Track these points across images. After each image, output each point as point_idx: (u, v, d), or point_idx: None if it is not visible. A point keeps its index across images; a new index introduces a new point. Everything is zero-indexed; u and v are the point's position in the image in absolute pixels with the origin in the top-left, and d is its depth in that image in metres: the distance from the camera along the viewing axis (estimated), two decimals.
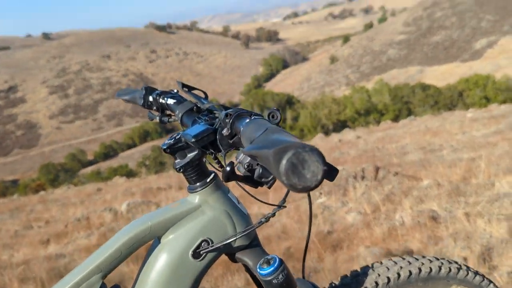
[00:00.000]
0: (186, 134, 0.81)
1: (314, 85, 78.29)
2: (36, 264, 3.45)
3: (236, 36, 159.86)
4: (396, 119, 24.50)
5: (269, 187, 0.74)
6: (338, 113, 33.64)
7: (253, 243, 0.90)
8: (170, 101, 1.05)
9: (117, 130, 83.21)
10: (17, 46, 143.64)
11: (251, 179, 0.73)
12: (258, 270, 0.82)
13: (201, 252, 0.83)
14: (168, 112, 1.10)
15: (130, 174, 27.15)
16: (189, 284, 0.83)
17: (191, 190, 0.87)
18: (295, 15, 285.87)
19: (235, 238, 0.85)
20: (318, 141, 16.58)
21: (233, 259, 0.91)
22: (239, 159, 0.73)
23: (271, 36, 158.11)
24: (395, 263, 1.03)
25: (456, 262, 1.03)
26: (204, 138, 0.79)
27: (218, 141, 0.80)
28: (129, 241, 0.81)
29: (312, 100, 42.15)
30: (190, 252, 0.83)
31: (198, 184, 0.86)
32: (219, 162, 0.87)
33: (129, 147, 70.91)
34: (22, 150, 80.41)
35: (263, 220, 0.86)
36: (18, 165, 72.59)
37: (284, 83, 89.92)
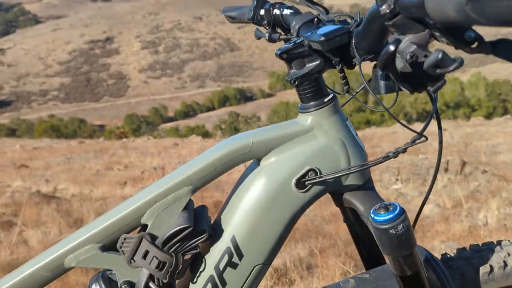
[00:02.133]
0: (312, 35, 0.68)
1: None
2: (112, 202, 3.68)
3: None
4: (489, 116, 22.64)
5: (434, 92, 0.59)
6: (425, 102, 31.80)
7: (367, 185, 0.76)
8: (287, 11, 0.90)
9: (198, 91, 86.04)
10: None
11: (410, 77, 0.58)
12: (372, 216, 0.67)
13: (306, 183, 0.71)
14: (278, 30, 0.96)
15: (205, 135, 28.05)
16: (287, 217, 0.72)
17: (303, 110, 0.74)
18: None
19: (348, 172, 0.72)
20: (399, 128, 15.85)
21: (338, 200, 0.78)
22: (401, 48, 0.56)
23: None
24: None
25: None
26: (335, 39, 0.66)
27: (353, 44, 0.66)
28: (225, 157, 0.71)
29: None
30: (294, 181, 0.71)
31: (312, 103, 0.73)
32: (344, 78, 0.72)
33: (208, 109, 73.18)
34: (111, 98, 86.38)
35: (390, 154, 0.70)
36: (106, 112, 78.29)
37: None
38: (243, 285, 0.73)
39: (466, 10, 0.41)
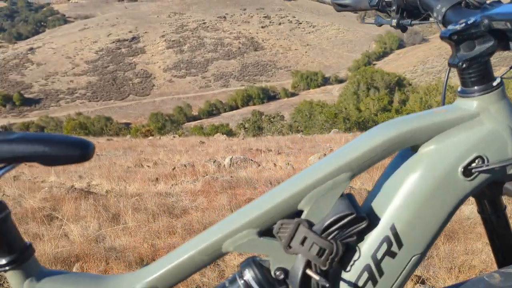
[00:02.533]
0: (501, 13, 0.63)
1: (430, 69, 72.89)
2: (147, 198, 3.72)
3: None
4: None
5: None
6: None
7: None
8: None
9: (222, 90, 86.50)
10: None
11: None
12: None
13: (473, 170, 0.68)
14: (405, 15, 0.90)
15: (229, 133, 28.13)
16: (450, 205, 0.69)
17: (466, 94, 0.70)
18: None
19: None
20: None
21: (495, 189, 0.74)
22: None
23: None
24: None
25: None
26: None
27: None
28: (386, 143, 0.68)
29: (425, 85, 39.40)
30: (460, 168, 0.67)
31: (478, 87, 0.69)
32: None
33: (231, 108, 73.51)
34: (136, 97, 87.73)
35: None
36: (132, 110, 79.58)
37: (396, 64, 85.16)
38: (399, 275, 0.70)
39: None
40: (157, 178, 5.25)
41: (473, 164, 0.68)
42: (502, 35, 0.65)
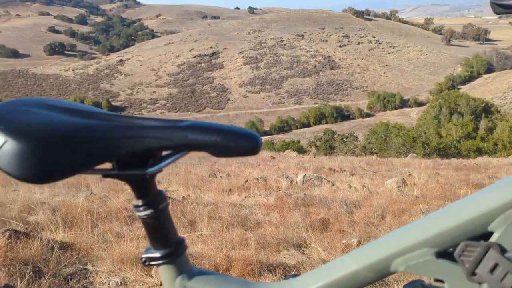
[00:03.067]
0: None
1: None
2: (222, 208, 3.75)
3: (438, 30, 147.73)
4: None
5: None
6: None
7: None
8: None
9: (295, 107, 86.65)
10: (225, 16, 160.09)
11: None
12: None
13: None
14: None
15: (300, 150, 27.98)
16: None
17: None
18: None
19: None
20: None
21: None
22: None
23: (480, 35, 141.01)
24: None
25: None
26: None
27: None
28: None
29: None
30: None
31: None
32: None
33: (303, 125, 73.22)
34: (212, 110, 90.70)
35: None
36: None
37: (483, 89, 79.86)
38: None
39: None
40: (230, 189, 5.30)
41: None
42: None
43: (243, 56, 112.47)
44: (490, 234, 0.59)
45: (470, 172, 8.99)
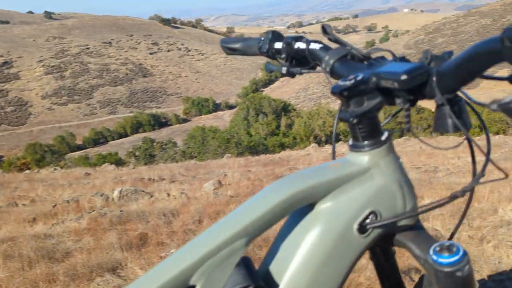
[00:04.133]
0: (389, 72, 0.63)
1: (311, 95, 78.51)
2: (22, 242, 3.30)
3: None
4: None
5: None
6: (332, 126, 33.52)
7: (418, 225, 0.73)
8: (314, 46, 0.84)
9: (109, 117, 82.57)
10: (17, 21, 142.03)
11: None
12: (435, 257, 0.63)
13: (367, 227, 0.66)
14: (294, 63, 0.90)
15: (119, 162, 26.82)
16: (348, 263, 0.67)
17: (357, 149, 0.69)
18: (300, 24, 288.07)
19: (414, 214, 0.68)
20: (311, 150, 16.55)
21: (388, 242, 0.73)
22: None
23: None
24: None
25: None
26: (417, 77, 0.60)
27: (434, 83, 0.61)
28: (283, 202, 0.63)
29: (307, 110, 42.25)
30: (356, 225, 0.66)
31: (368, 141, 0.68)
32: (408, 117, 0.67)
33: (120, 136, 70.39)
34: (10, 127, 79.38)
35: (458, 194, 0.65)
36: (4, 142, 71.60)
37: (281, 90, 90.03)
38: None
39: None
40: (34, 218, 4.71)
41: (367, 220, 0.66)
42: (388, 91, 0.65)
43: (43, 65, 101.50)
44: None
45: (276, 166, 10.01)
